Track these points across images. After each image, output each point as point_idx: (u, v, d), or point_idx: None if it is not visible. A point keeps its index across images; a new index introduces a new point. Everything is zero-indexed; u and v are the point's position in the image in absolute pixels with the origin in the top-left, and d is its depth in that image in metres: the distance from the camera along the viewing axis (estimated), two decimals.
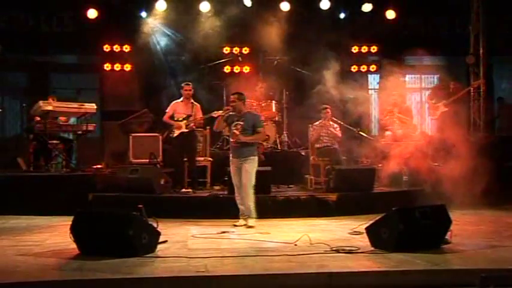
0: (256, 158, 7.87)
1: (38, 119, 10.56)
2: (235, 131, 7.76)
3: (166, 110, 9.92)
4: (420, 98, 15.41)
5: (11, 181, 9.85)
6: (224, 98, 11.86)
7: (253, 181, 7.78)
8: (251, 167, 7.77)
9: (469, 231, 7.35)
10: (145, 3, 12.70)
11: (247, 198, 7.77)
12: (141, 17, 12.75)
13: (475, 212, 9.08)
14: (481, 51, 12.51)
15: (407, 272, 5.31)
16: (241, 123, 7.78)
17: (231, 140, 7.92)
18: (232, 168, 7.92)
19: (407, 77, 15.02)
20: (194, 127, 9.90)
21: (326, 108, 10.50)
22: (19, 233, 7.60)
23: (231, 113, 7.97)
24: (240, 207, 7.93)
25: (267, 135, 11.08)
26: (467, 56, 12.66)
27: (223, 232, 7.45)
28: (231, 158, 7.94)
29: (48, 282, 5.05)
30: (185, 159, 9.83)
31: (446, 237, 6.31)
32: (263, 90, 12.03)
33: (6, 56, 12.03)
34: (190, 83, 10.00)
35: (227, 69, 12.91)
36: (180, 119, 9.77)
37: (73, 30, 12.88)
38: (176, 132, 9.75)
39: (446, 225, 6.29)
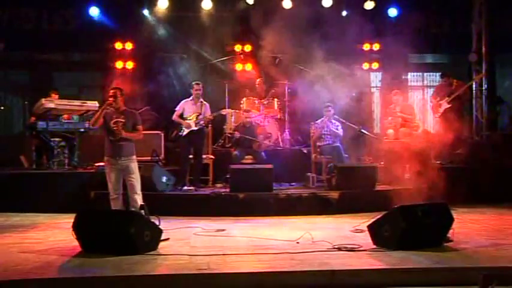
0: (135, 157, 7.44)
1: (34, 118, 10.60)
2: (115, 127, 7.24)
3: (176, 109, 9.93)
4: (423, 95, 15.40)
5: (13, 178, 9.87)
6: (226, 95, 11.86)
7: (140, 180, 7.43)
8: (136, 166, 7.38)
9: (471, 229, 7.35)
10: (148, 0, 12.69)
11: (139, 199, 7.28)
12: (143, 14, 12.74)
13: (477, 210, 9.06)
14: (483, 49, 12.49)
15: (409, 270, 5.31)
16: (123, 120, 7.29)
17: (111, 138, 7.28)
18: (109, 170, 7.29)
19: (410, 75, 15.03)
20: (204, 125, 9.93)
21: (328, 106, 10.50)
22: (22, 231, 7.63)
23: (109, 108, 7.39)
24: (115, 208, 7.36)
25: (269, 133, 11.09)
26: (470, 54, 12.65)
27: (223, 230, 7.46)
28: (106, 158, 7.31)
29: (50, 279, 5.07)
30: (191, 156, 9.85)
31: (448, 235, 6.32)
32: (265, 88, 12.03)
33: (9, 53, 12.05)
34: (200, 83, 10.00)
35: (229, 66, 12.90)
36: (190, 117, 9.79)
37: (75, 27, 12.88)
38: (186, 131, 9.77)
39: (448, 223, 6.29)
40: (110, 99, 7.31)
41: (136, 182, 7.35)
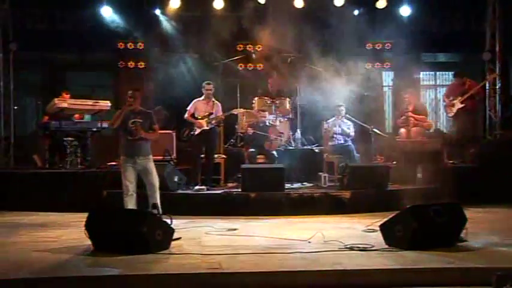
0: (152, 156, 7.62)
1: (47, 117, 10.68)
2: (133, 127, 7.38)
3: (188, 108, 9.99)
4: (435, 95, 15.32)
5: (27, 178, 9.95)
6: (238, 95, 11.85)
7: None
8: (153, 165, 7.53)
9: (484, 229, 7.29)
10: (160, 0, 12.72)
11: (158, 198, 7.41)
12: (155, 14, 12.78)
13: (491, 210, 9.00)
14: (497, 47, 12.39)
15: (422, 270, 5.28)
16: (140, 120, 7.45)
17: (129, 137, 7.39)
18: (126, 168, 7.37)
19: (422, 74, 14.95)
20: (215, 125, 9.95)
21: (340, 105, 10.49)
22: (35, 229, 7.69)
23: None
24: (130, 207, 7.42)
25: (281, 132, 11.08)
26: (484, 53, 12.56)
27: (234, 229, 7.47)
28: (124, 157, 7.41)
29: (63, 278, 5.10)
30: (202, 155, 9.87)
31: (462, 235, 6.27)
32: (277, 87, 12.00)
33: (22, 53, 12.12)
34: (211, 82, 10.04)
35: (241, 66, 12.91)
36: (202, 117, 9.82)
37: (87, 28, 12.93)
38: (198, 130, 9.80)
39: (461, 223, 6.25)
40: (130, 99, 7.46)
41: (156, 181, 7.49)
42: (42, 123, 11.07)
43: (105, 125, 10.63)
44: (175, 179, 9.22)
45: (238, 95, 11.85)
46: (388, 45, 13.14)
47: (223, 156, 10.43)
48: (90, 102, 10.81)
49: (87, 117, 11.12)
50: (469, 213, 6.56)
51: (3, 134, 11.70)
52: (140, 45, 12.84)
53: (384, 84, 14.49)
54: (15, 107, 12.27)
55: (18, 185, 9.80)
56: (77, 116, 10.98)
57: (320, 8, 11.86)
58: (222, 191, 9.48)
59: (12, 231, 7.48)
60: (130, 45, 12.82)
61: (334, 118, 10.58)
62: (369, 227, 7.16)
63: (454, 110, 11.17)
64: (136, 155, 7.39)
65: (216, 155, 10.18)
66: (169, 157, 10.33)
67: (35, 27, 12.99)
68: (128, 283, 5.07)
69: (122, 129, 7.45)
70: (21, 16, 12.86)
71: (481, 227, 7.36)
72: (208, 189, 9.52)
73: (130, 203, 7.36)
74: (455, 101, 11.14)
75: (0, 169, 11.11)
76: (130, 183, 7.38)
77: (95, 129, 10.76)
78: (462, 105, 11.03)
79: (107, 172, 9.81)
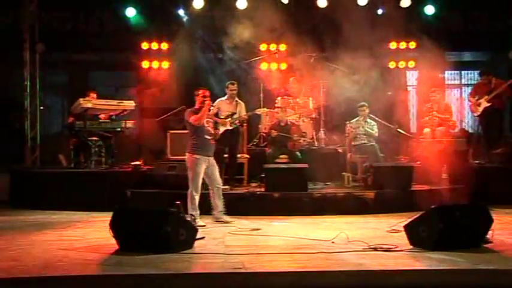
0: None
1: (72, 119, 10.78)
2: (209, 128, 7.82)
3: (211, 108, 9.99)
4: (460, 94, 15.16)
5: (52, 177, 10.08)
6: (261, 95, 11.85)
7: None
8: None
9: (511, 230, 7.19)
10: (183, 0, 12.79)
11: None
12: (178, 14, 12.85)
13: None
14: None
15: (447, 271, 5.22)
16: (210, 120, 7.88)
17: (208, 137, 7.85)
18: (201, 167, 7.77)
19: (447, 73, 14.81)
20: (239, 124, 9.97)
21: (363, 105, 10.43)
22: (61, 228, 7.78)
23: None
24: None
25: (304, 132, 11.06)
26: (510, 52, 12.39)
27: (258, 229, 7.47)
28: (200, 156, 7.78)
29: (88, 276, 5.15)
30: (225, 155, 9.89)
31: (488, 236, 6.19)
32: (300, 87, 11.98)
33: (47, 54, 12.28)
34: (235, 82, 10.06)
35: (264, 66, 12.91)
36: (225, 116, 9.85)
37: (112, 28, 13.06)
38: (221, 129, 9.82)
39: (487, 224, 6.16)
40: (207, 98, 7.86)
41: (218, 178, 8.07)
42: (68, 124, 11.19)
43: (129, 125, 10.71)
44: None
45: (261, 94, 11.84)
46: (412, 45, 13.03)
47: (247, 156, 10.44)
48: (114, 102, 10.89)
49: (112, 117, 11.20)
50: (495, 214, 6.47)
51: (30, 134, 11.86)
52: (164, 46, 12.93)
53: (408, 84, 14.38)
54: (41, 107, 12.43)
55: (44, 184, 9.94)
56: (102, 116, 11.06)
57: (343, 7, 11.80)
58: (246, 190, 9.49)
59: (38, 230, 7.59)
60: (154, 46, 12.91)
61: (357, 118, 10.52)
62: (393, 228, 7.11)
63: (480, 109, 11.02)
64: (210, 155, 7.82)
65: (239, 155, 10.18)
66: None
67: (60, 28, 13.15)
68: (152, 282, 5.10)
69: (198, 129, 7.74)
70: (47, 18, 13.03)
71: (507, 228, 7.27)
72: (231, 189, 9.53)
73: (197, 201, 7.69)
74: (481, 100, 10.99)
75: (27, 169, 11.28)
76: (201, 181, 7.77)
77: (119, 130, 10.84)
78: (488, 104, 10.88)
79: (131, 172, 9.88)
